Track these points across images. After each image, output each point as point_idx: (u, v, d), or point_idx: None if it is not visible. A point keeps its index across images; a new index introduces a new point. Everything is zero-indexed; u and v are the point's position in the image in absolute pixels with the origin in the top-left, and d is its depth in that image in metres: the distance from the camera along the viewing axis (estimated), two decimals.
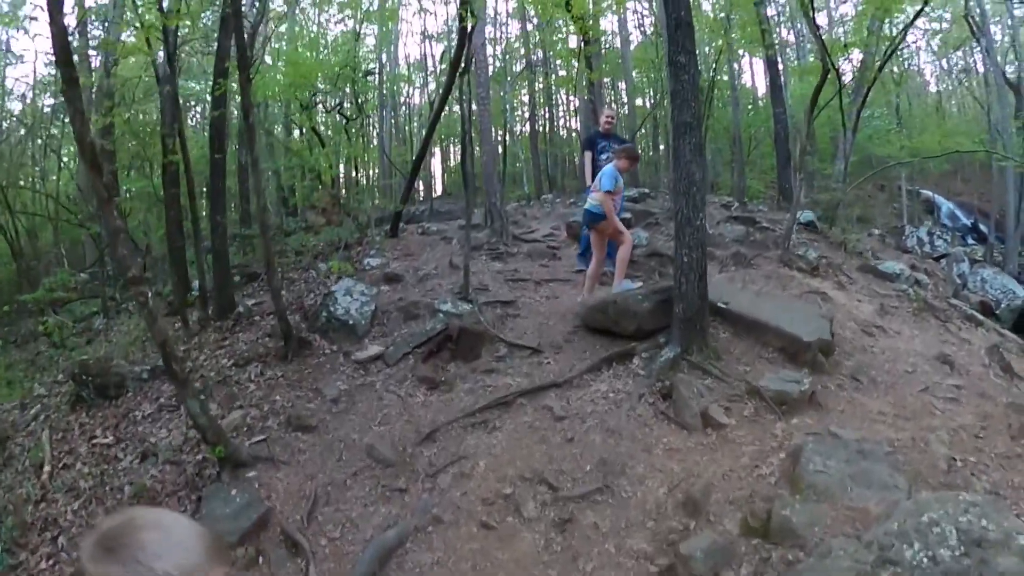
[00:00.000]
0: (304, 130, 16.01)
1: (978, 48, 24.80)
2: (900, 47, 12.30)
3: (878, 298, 8.86)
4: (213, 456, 4.99)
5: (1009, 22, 17.27)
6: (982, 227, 24.10)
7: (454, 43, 10.48)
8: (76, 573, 1.23)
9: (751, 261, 9.22)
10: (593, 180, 8.69)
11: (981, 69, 29.79)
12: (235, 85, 7.62)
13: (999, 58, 17.06)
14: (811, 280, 8.94)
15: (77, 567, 1.17)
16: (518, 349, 6.18)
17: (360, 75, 15.25)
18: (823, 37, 9.32)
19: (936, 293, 10.66)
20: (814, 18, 9.43)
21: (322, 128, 17.81)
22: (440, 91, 8.36)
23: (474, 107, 9.19)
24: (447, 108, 28.49)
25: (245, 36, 6.71)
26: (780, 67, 16.63)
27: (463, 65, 7.70)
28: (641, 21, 26.16)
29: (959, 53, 26.56)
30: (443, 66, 25.08)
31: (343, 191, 17.24)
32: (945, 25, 23.11)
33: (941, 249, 14.73)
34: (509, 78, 23.80)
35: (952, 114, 29.59)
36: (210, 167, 8.62)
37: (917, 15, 10.10)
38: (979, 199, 26.03)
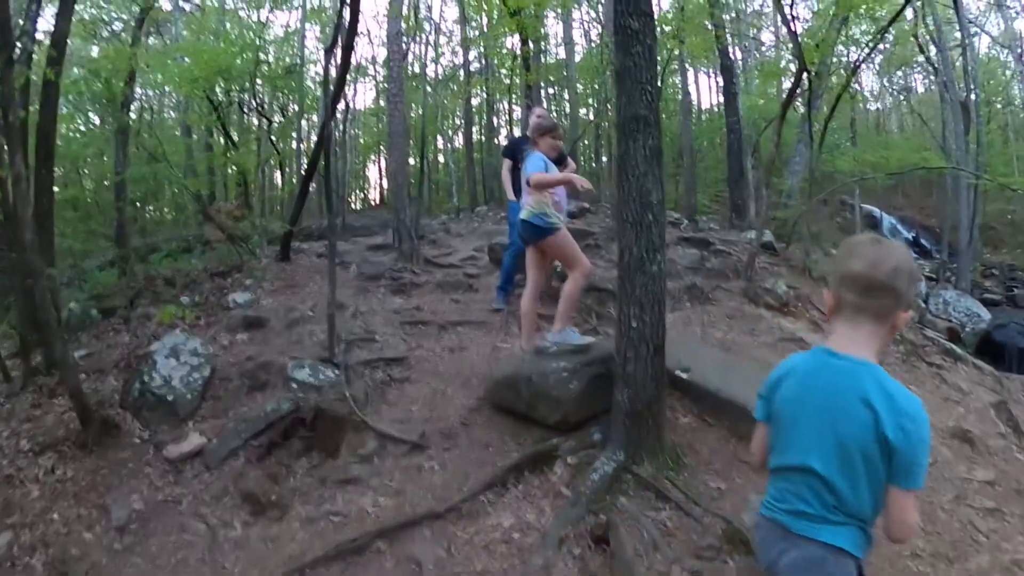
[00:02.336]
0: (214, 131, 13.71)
1: (918, 69, 23.68)
2: (861, 62, 10.47)
3: None
4: None
5: (958, 35, 15.69)
6: (923, 241, 22.84)
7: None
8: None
9: (709, 295, 7.24)
10: (515, 193, 6.57)
11: (921, 89, 28.81)
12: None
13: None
14: (782, 320, 7.01)
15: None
16: (393, 442, 4.00)
17: (277, 72, 13.00)
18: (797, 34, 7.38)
19: (910, 325, 8.84)
20: (793, 9, 7.47)
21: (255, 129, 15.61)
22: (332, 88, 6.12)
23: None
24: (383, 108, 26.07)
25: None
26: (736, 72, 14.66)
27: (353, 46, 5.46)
28: (587, 30, 24.26)
29: (899, 72, 25.28)
30: (384, 71, 22.86)
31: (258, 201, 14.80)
32: (888, 45, 21.77)
33: None
34: (453, 85, 21.49)
35: (891, 131, 28.41)
36: (34, 182, 6.18)
37: (894, 18, 8.23)
38: (920, 213, 24.83)
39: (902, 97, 27.30)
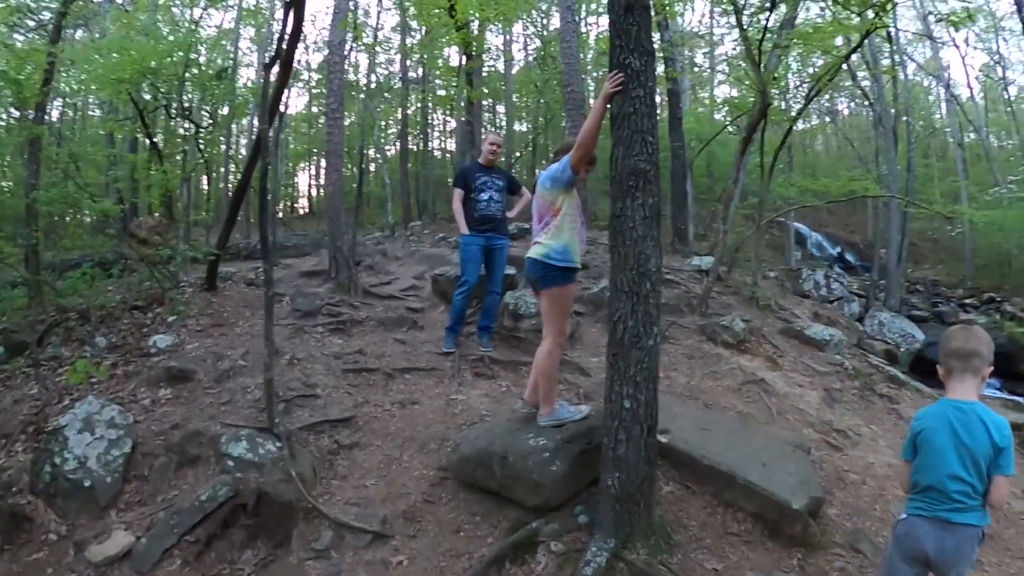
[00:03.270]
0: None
1: (843, 93, 24.54)
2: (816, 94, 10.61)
3: (817, 378, 6.93)
4: None
5: (887, 62, 16.23)
6: (848, 257, 23.71)
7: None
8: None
9: (666, 333, 7.03)
10: (468, 225, 6.07)
11: (846, 112, 29.90)
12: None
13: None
14: (740, 358, 6.88)
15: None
16: (351, 532, 3.52)
17: (208, 74, 12.14)
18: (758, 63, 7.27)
19: (852, 351, 8.92)
20: (760, 46, 7.34)
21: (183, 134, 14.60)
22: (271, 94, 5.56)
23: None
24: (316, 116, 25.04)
25: None
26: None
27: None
28: (524, 44, 24.07)
29: (826, 96, 26.16)
30: (318, 76, 22.13)
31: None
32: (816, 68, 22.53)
33: (837, 292, 13.27)
34: (387, 94, 20.79)
35: (817, 151, 29.35)
36: None
37: (849, 54, 8.30)
38: (844, 230, 25.79)
39: (828, 119, 28.22)
